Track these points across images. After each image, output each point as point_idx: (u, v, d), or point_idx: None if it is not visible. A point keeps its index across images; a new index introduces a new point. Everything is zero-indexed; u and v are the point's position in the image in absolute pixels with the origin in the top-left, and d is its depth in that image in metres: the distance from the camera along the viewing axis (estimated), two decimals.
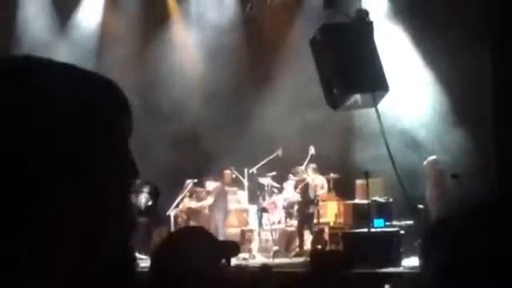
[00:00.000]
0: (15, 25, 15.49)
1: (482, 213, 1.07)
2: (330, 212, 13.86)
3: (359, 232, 11.57)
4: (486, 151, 12.08)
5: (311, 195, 13.29)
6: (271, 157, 14.32)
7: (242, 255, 13.18)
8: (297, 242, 13.46)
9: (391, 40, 13.57)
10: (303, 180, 13.37)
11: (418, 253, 1.09)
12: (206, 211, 14.28)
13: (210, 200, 13.87)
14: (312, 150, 13.97)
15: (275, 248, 13.32)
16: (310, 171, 13.68)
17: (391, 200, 12.43)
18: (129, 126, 0.96)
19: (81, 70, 0.93)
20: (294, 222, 13.83)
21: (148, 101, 15.34)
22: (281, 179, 14.54)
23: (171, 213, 14.28)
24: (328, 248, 12.68)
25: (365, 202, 12.18)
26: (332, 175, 14.13)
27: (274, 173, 14.45)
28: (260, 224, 13.79)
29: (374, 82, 9.67)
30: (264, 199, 14.19)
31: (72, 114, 0.87)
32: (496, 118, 11.39)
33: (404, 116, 13.67)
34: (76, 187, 0.85)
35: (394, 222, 11.98)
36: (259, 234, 13.79)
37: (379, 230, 11.38)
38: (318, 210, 13.37)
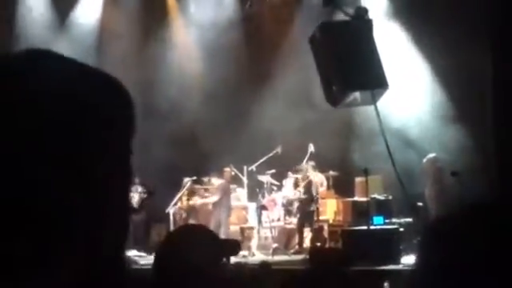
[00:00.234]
0: (14, 22, 15.48)
1: (481, 211, 1.06)
2: (330, 209, 13.87)
3: (358, 229, 11.58)
4: (485, 149, 12.10)
5: (314, 193, 13.30)
6: (270, 154, 14.32)
7: (241, 253, 13.17)
8: (296, 240, 13.47)
9: (391, 38, 13.57)
10: (307, 177, 13.36)
11: (416, 250, 1.09)
12: (209, 208, 14.26)
13: (214, 197, 13.85)
14: (311, 148, 13.97)
15: (274, 245, 13.32)
16: (309, 169, 13.69)
17: (390, 197, 12.44)
18: (131, 125, 0.95)
19: (82, 65, 0.93)
20: (294, 220, 13.84)
21: (147, 99, 15.33)
22: (280, 177, 14.55)
23: (170, 210, 14.27)
24: (327, 245, 12.69)
25: (364, 199, 12.18)
26: (331, 173, 14.13)
27: (273, 170, 14.45)
28: (259, 221, 13.80)
29: (373, 80, 9.66)
30: (263, 197, 14.19)
31: (71, 111, 0.86)
32: (495, 115, 11.40)
33: (403, 113, 13.67)
34: (74, 184, 0.85)
35: (394, 220, 11.98)
36: (258, 232, 13.79)
37: (378, 227, 11.40)
38: (318, 208, 13.38)
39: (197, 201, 14.59)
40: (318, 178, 13.53)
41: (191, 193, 14.68)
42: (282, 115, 14.36)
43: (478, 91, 12.27)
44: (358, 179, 13.29)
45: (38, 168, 0.83)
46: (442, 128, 13.47)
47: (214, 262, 2.52)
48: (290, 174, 14.27)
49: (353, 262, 9.47)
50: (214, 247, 2.55)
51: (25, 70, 0.87)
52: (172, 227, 13.85)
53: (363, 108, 11.27)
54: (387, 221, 11.78)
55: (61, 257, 0.84)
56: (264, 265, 9.52)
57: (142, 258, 12.73)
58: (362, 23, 9.89)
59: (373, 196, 12.25)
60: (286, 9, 15.52)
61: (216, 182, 14.02)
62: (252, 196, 14.56)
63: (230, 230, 13.79)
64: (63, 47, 14.48)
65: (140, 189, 12.52)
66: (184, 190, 14.49)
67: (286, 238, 13.93)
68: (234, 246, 2.77)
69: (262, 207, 13.89)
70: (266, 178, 14.43)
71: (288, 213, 14.23)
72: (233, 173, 14.32)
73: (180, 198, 14.56)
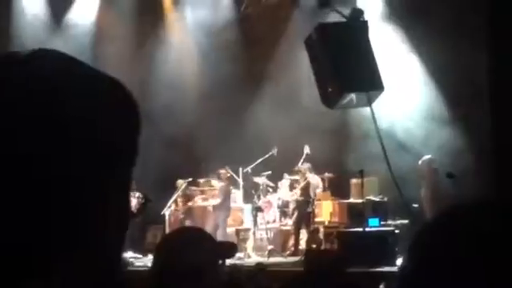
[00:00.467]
0: (9, 23, 15.45)
1: (473, 213, 1.06)
2: (325, 211, 13.87)
3: (354, 231, 11.59)
4: (481, 150, 12.11)
5: (312, 194, 13.31)
6: (266, 156, 14.32)
7: (236, 254, 13.17)
8: (292, 241, 13.46)
9: (386, 39, 13.59)
10: (305, 179, 13.35)
11: (406, 253, 1.09)
12: (206, 210, 14.26)
13: (217, 200, 13.82)
14: (307, 149, 13.97)
15: (270, 247, 13.32)
16: (307, 170, 13.68)
17: (386, 199, 12.46)
18: (133, 151, 0.93)
19: (93, 70, 0.92)
20: (289, 222, 13.84)
21: (141, 100, 15.26)
22: (276, 178, 14.54)
23: (166, 212, 14.26)
24: (323, 247, 12.68)
25: (360, 201, 12.20)
26: (327, 174, 14.13)
27: (268, 172, 14.44)
28: (255, 223, 13.79)
29: (369, 82, 9.68)
30: (259, 198, 14.19)
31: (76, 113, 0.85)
32: (492, 117, 11.42)
33: (399, 115, 13.68)
34: (76, 188, 0.84)
35: (389, 221, 12.00)
36: (254, 233, 13.79)
37: (374, 229, 11.41)
38: (314, 209, 13.38)
39: (196, 202, 14.57)
40: (315, 180, 13.53)
41: (187, 195, 14.67)
42: (278, 117, 14.36)
43: (474, 93, 12.29)
44: (354, 181, 13.30)
45: (41, 170, 0.82)
46: (437, 129, 13.49)
47: (210, 265, 2.52)
48: (285, 175, 14.27)
49: (348, 263, 9.47)
50: (210, 250, 2.56)
51: (29, 72, 0.86)
52: (168, 229, 13.84)
53: (359, 109, 11.29)
54: (383, 222, 11.79)
55: (64, 262, 0.84)
56: (259, 266, 9.51)
57: (138, 260, 12.72)
58: (357, 25, 9.91)
59: (368, 198, 12.26)
60: (282, 10, 15.52)
61: (216, 183, 13.99)
62: (247, 198, 14.55)
63: (227, 232, 13.78)
64: (58, 47, 14.41)
65: (138, 194, 12.53)
66: (179, 191, 14.48)
67: (281, 240, 13.93)
68: (230, 248, 2.76)
69: (258, 209, 13.88)
70: (261, 180, 14.43)
71: (284, 214, 14.23)
72: (228, 174, 14.31)
73: (175, 200, 14.55)
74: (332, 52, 9.69)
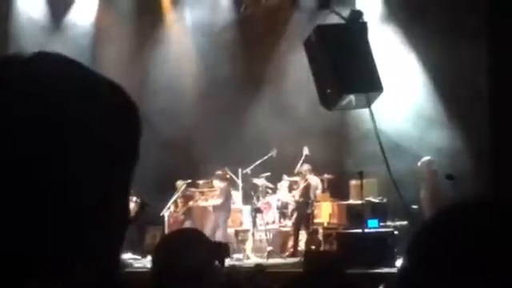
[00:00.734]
0: (9, 24, 15.44)
1: (470, 211, 1.06)
2: (324, 212, 13.86)
3: (353, 232, 11.58)
4: (480, 151, 12.11)
5: (311, 196, 13.30)
6: (265, 157, 14.31)
7: (236, 255, 13.18)
8: (291, 242, 13.46)
9: (385, 41, 13.59)
10: (305, 180, 13.35)
11: (405, 252, 1.09)
12: (206, 211, 14.24)
13: (218, 200, 13.80)
14: (306, 151, 13.97)
15: (269, 248, 13.31)
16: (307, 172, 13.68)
17: (385, 200, 12.45)
18: (133, 151, 0.93)
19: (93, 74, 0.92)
20: (288, 223, 13.83)
21: (140, 101, 15.28)
22: (275, 180, 14.54)
23: (165, 213, 14.25)
24: (322, 248, 12.68)
25: (359, 202, 12.20)
26: (326, 176, 14.12)
27: (268, 173, 14.44)
28: (254, 224, 13.78)
29: (368, 83, 9.69)
30: (258, 199, 14.18)
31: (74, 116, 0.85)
32: (491, 118, 11.42)
33: (398, 116, 13.68)
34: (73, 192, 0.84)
35: (388, 223, 11.99)
36: (253, 235, 13.78)
37: (373, 230, 11.40)
38: (313, 211, 13.38)
39: (196, 203, 14.55)
40: (314, 181, 13.53)
41: (186, 196, 14.66)
42: (277, 118, 14.36)
43: (473, 94, 12.30)
44: (353, 182, 13.30)
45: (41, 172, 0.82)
46: (437, 131, 13.49)
47: (208, 266, 2.53)
48: (284, 176, 14.26)
49: (347, 264, 9.47)
50: (207, 251, 2.57)
51: (29, 74, 0.86)
52: (167, 230, 13.83)
53: (358, 111, 11.30)
54: (382, 224, 11.78)
55: (64, 265, 0.84)
56: (259, 268, 9.51)
57: (137, 261, 12.71)
58: (356, 26, 9.92)
59: (368, 199, 12.25)
60: (282, 12, 15.52)
61: (217, 184, 13.97)
62: (247, 199, 14.54)
63: (227, 233, 13.78)
64: (57, 48, 14.39)
65: (135, 198, 12.54)
66: (178, 193, 14.47)
67: (280, 241, 13.93)
68: (224, 249, 2.79)
69: (257, 210, 13.88)
70: (260, 181, 14.42)
71: (283, 216, 14.23)
72: (228, 176, 14.31)
73: (175, 201, 14.54)
74: (331, 53, 9.70)
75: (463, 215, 1.06)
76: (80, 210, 0.84)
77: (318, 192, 13.64)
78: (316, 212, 13.61)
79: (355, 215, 12.26)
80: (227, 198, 13.72)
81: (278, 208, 14.29)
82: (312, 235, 13.04)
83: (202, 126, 15.35)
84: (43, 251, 0.82)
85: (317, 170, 13.78)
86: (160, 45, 16.37)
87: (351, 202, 13.26)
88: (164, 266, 2.52)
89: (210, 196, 14.36)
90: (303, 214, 13.25)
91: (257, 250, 13.63)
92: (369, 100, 9.75)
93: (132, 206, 12.70)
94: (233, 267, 10.73)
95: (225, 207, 13.67)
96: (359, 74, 9.60)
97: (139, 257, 13.25)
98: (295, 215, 13.41)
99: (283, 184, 14.26)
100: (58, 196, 0.83)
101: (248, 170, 14.40)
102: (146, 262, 11.68)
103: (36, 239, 0.82)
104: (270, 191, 14.67)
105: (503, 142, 11.12)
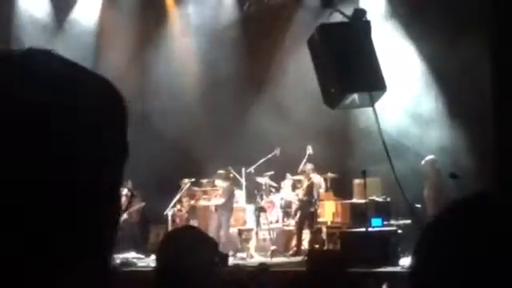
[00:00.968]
0: (11, 23, 15.45)
1: (475, 208, 1.06)
2: (328, 211, 13.86)
3: (357, 231, 11.58)
4: (484, 151, 12.08)
5: (315, 194, 13.30)
6: (269, 156, 14.31)
7: (239, 254, 13.19)
8: (294, 241, 13.46)
9: (389, 39, 13.57)
10: (309, 179, 13.35)
11: (413, 251, 1.09)
12: (209, 210, 14.24)
13: (221, 199, 13.80)
14: (310, 150, 13.96)
15: (273, 247, 13.31)
16: (310, 170, 13.67)
17: (389, 199, 12.44)
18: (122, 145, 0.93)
19: (81, 70, 0.91)
20: (292, 222, 13.83)
21: (144, 100, 15.31)
22: (278, 178, 14.53)
23: (168, 212, 14.26)
24: (325, 247, 12.68)
25: (362, 201, 12.19)
26: (330, 174, 14.12)
27: (271, 172, 14.43)
28: (258, 223, 13.78)
29: (371, 82, 9.68)
30: (261, 198, 14.18)
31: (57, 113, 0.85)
32: (495, 117, 11.39)
33: (402, 115, 13.67)
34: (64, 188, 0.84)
35: (392, 222, 11.98)
36: (257, 234, 13.78)
37: (377, 229, 11.39)
38: (316, 210, 13.38)
39: (199, 202, 14.56)
40: (317, 180, 13.53)
41: (190, 195, 14.66)
42: (281, 117, 14.35)
43: (477, 92, 12.26)
44: (357, 181, 13.29)
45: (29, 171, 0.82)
46: (440, 130, 13.48)
47: (211, 263, 2.54)
48: (288, 175, 14.26)
49: (351, 263, 9.48)
50: (210, 249, 2.57)
51: (14, 70, 0.86)
52: (170, 229, 13.83)
53: (361, 109, 11.28)
54: (385, 223, 11.77)
55: (60, 265, 0.84)
56: (262, 266, 9.51)
57: (141, 260, 12.72)
58: (360, 25, 9.91)
59: (371, 198, 12.25)
60: (285, 10, 15.51)
61: (219, 184, 13.96)
62: (250, 198, 14.55)
63: (230, 232, 13.78)
64: (60, 47, 14.38)
65: (125, 191, 12.54)
66: (183, 191, 14.47)
67: (284, 240, 13.92)
68: (222, 257, 2.82)
69: (261, 209, 13.87)
70: (264, 180, 14.42)
71: (286, 215, 14.23)
72: (231, 175, 14.31)
73: (179, 200, 14.54)
74: (334, 52, 9.69)
75: (466, 213, 1.05)
76: (74, 208, 0.84)
77: (322, 191, 13.64)
78: (320, 211, 13.61)
79: (359, 214, 12.25)
80: (230, 197, 13.71)
81: (281, 207, 14.29)
82: (315, 234, 13.04)
83: (205, 125, 15.35)
84: (43, 251, 0.82)
85: (320, 169, 13.77)
86: (163, 43, 16.38)
87: (355, 200, 13.26)
88: (167, 264, 2.52)
89: (212, 195, 14.36)
90: (307, 213, 13.25)
91: (260, 248, 13.63)
92: (372, 99, 9.73)
93: (123, 199, 12.77)
94: (236, 266, 10.75)
95: (227, 207, 13.67)
96: (363, 73, 9.58)
97: (143, 256, 13.26)
98: (299, 214, 13.40)
99: (287, 183, 14.26)
100: (53, 194, 0.82)
101: (251, 169, 14.40)
102: (150, 261, 11.70)
103: (36, 239, 0.82)
104: (273, 190, 14.67)
105: (507, 140, 11.09)
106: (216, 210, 13.87)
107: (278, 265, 11.47)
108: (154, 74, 16.01)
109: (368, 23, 10.01)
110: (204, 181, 14.94)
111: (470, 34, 12.01)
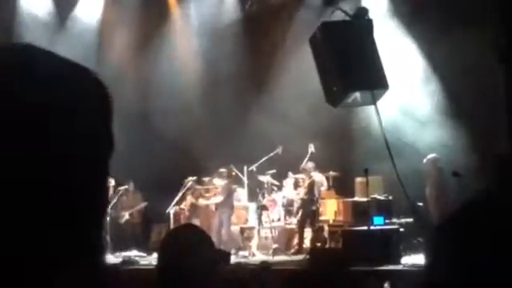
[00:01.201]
0: (13, 21, 15.46)
1: (487, 210, 1.06)
2: (330, 210, 13.86)
3: (359, 230, 11.57)
4: (486, 149, 12.08)
5: (316, 193, 13.30)
6: (271, 154, 14.30)
7: (241, 253, 13.20)
8: (296, 240, 13.46)
9: (391, 38, 13.56)
10: (310, 177, 13.35)
11: (425, 250, 1.09)
12: (211, 208, 14.26)
13: (219, 198, 13.82)
14: (311, 148, 13.96)
15: (275, 246, 13.32)
16: (312, 169, 13.67)
17: (391, 198, 12.44)
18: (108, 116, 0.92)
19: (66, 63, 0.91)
20: (294, 220, 13.83)
21: (146, 98, 15.32)
22: (280, 177, 14.53)
23: (170, 210, 14.27)
24: (327, 246, 12.68)
25: (364, 199, 12.19)
26: (331, 173, 14.12)
27: (273, 170, 14.44)
28: (259, 222, 13.79)
29: (373, 80, 9.67)
30: (263, 197, 14.18)
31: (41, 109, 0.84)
32: (497, 115, 11.38)
33: (404, 113, 13.66)
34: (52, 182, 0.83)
35: (394, 220, 11.99)
36: (259, 232, 13.78)
37: (379, 227, 11.38)
38: (318, 208, 13.38)
39: (199, 201, 14.57)
40: (319, 178, 13.53)
41: (192, 193, 14.67)
42: (283, 115, 14.35)
43: (479, 90, 12.26)
44: (359, 179, 13.29)
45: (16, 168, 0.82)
46: (442, 128, 13.47)
47: (212, 262, 2.54)
48: (290, 174, 14.26)
49: (353, 262, 9.48)
50: (211, 248, 2.58)
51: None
52: (172, 227, 13.84)
53: (363, 108, 11.28)
54: (387, 221, 11.77)
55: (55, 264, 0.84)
56: (264, 265, 9.53)
57: (143, 258, 12.73)
58: (362, 23, 9.89)
59: (373, 196, 12.24)
60: (287, 9, 15.51)
61: (218, 182, 13.99)
62: (252, 196, 14.55)
63: (231, 230, 13.79)
64: (63, 46, 14.42)
65: (113, 182, 12.52)
66: (185, 189, 14.48)
67: (286, 239, 13.92)
68: (224, 256, 2.83)
69: (263, 207, 13.88)
70: (266, 178, 14.42)
71: (288, 213, 14.23)
72: (233, 173, 14.31)
73: (181, 198, 14.55)
74: (336, 50, 9.67)
75: (477, 214, 1.06)
76: (77, 207, 0.84)
77: (323, 189, 13.64)
78: (321, 209, 13.60)
79: (360, 212, 12.25)
80: (228, 195, 13.72)
81: (283, 205, 14.29)
82: (317, 232, 13.03)
83: (207, 124, 15.36)
84: (42, 251, 0.82)
85: (322, 168, 13.77)
86: (165, 41, 16.38)
87: (356, 199, 13.26)
88: (169, 262, 2.53)
89: (212, 194, 14.38)
90: (308, 212, 13.25)
91: (262, 247, 13.63)
92: (374, 97, 9.72)
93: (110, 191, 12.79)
94: (238, 264, 10.76)
95: (226, 205, 13.68)
96: (365, 71, 9.57)
97: (145, 254, 13.28)
98: (300, 212, 13.40)
99: (289, 181, 14.26)
100: (58, 195, 0.83)
101: (254, 167, 14.41)
102: (152, 260, 11.70)
103: (36, 239, 0.82)
104: (275, 188, 14.67)
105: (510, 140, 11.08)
106: (216, 208, 13.89)
107: (279, 263, 11.47)
108: (156, 73, 16.01)
109: (370, 22, 10.00)
110: (206, 179, 14.95)
111: (472, 32, 11.99)
